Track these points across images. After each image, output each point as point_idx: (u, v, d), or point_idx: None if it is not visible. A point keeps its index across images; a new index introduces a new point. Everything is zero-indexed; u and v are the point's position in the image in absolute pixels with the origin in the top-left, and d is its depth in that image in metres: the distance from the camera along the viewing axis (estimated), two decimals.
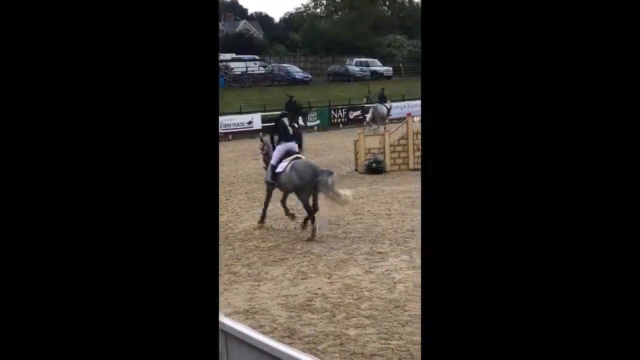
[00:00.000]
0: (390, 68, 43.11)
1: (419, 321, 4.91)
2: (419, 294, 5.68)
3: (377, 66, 42.24)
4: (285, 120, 9.28)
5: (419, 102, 30.53)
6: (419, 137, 13.84)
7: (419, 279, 6.24)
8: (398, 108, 28.89)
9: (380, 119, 23.00)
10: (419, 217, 7.96)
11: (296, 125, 9.74)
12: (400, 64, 44.68)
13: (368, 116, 23.26)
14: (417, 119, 13.97)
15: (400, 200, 10.61)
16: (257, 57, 40.52)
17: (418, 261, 6.63)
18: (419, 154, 13.74)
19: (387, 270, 6.56)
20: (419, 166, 13.04)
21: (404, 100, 31.40)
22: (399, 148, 13.84)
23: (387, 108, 24.25)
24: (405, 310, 5.22)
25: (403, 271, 6.41)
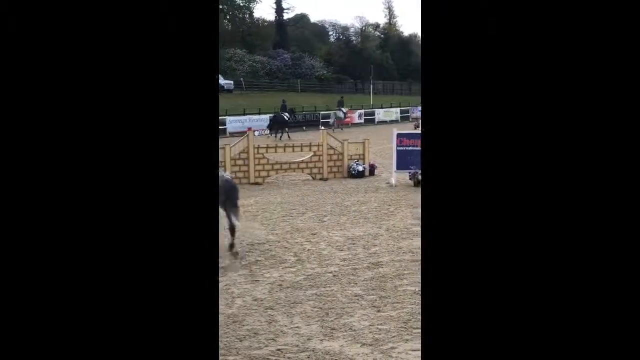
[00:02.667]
0: (232, 82, 43.15)
1: (257, 335, 4.91)
2: (258, 307, 5.63)
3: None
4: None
5: (259, 116, 30.92)
6: (260, 151, 13.93)
7: (259, 294, 6.18)
8: (239, 122, 29.00)
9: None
10: (260, 231, 7.88)
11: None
12: (241, 79, 44.85)
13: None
14: (257, 133, 14.03)
15: (241, 215, 10.56)
16: None
17: (258, 275, 6.62)
18: (259, 167, 13.82)
19: (226, 285, 6.48)
20: (260, 180, 13.08)
21: (244, 114, 31.58)
22: (239, 162, 13.81)
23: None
24: (244, 325, 5.18)
25: (242, 285, 6.36)
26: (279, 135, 25.53)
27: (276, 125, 26.27)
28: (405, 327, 4.99)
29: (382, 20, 73.74)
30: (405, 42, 69.51)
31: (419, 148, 13.20)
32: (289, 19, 64.00)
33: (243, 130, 21.88)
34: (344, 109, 32.15)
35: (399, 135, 13.72)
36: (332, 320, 5.19)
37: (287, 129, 26.27)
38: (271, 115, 28.22)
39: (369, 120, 39.36)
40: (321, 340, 4.77)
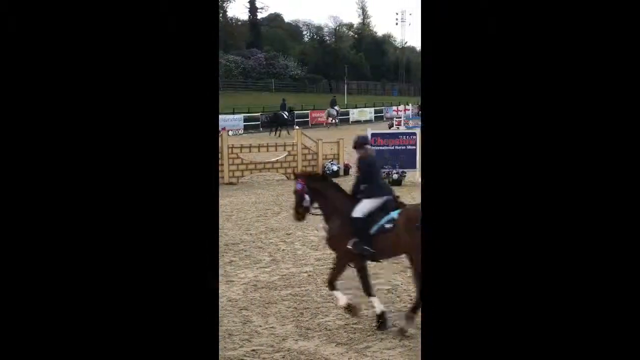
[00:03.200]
0: None
1: (231, 336, 4.87)
2: (233, 308, 5.59)
3: None
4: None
5: (234, 116, 30.78)
6: (234, 151, 13.86)
7: (233, 294, 6.13)
8: None
9: None
10: (233, 232, 7.81)
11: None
12: None
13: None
14: (232, 133, 13.96)
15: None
16: None
17: (233, 275, 6.58)
18: (234, 167, 13.74)
19: None
20: (234, 180, 12.94)
21: (219, 114, 31.34)
22: None
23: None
24: (219, 326, 5.14)
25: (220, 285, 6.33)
26: (278, 132, 26.74)
27: (275, 124, 27.58)
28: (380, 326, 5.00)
29: (356, 20, 73.94)
30: (379, 42, 69.80)
31: (393, 147, 13.28)
32: (262, 18, 63.82)
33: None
34: (337, 108, 34.25)
35: (373, 135, 13.77)
36: (307, 320, 5.19)
37: (286, 126, 27.73)
38: (270, 114, 29.86)
39: (344, 120, 39.43)
40: (296, 340, 4.76)
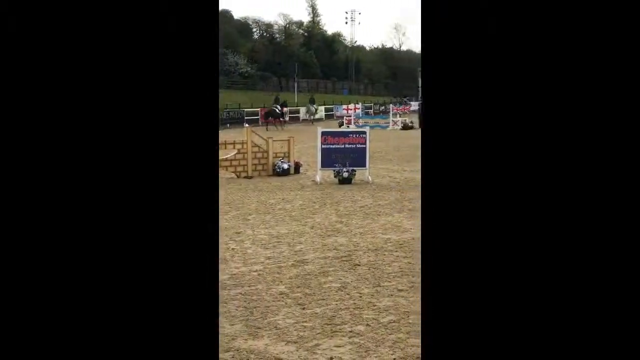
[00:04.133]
0: None
1: None
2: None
3: None
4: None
5: None
6: None
7: None
8: None
9: None
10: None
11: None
12: None
13: None
14: None
15: None
16: None
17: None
18: None
19: None
20: None
21: None
22: None
23: None
24: None
25: None
26: (271, 126, 29.37)
27: (270, 118, 30.64)
28: (329, 324, 5.03)
29: (305, 18, 74.02)
30: (329, 41, 70.04)
31: (343, 146, 13.35)
32: None
33: None
34: (315, 106, 38.17)
35: (323, 134, 13.82)
36: (256, 319, 5.17)
37: (281, 119, 31.34)
38: (266, 108, 33.76)
39: (294, 119, 39.44)
40: (245, 339, 4.74)
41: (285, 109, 33.97)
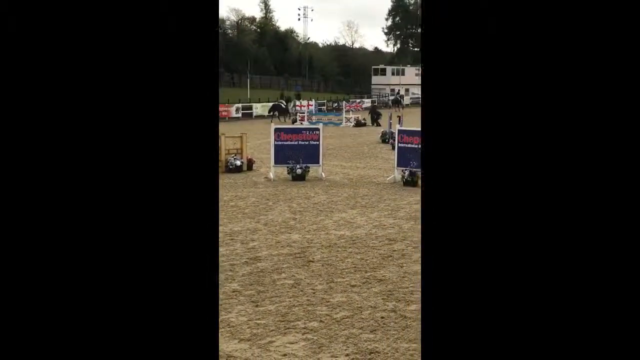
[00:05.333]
0: None
1: None
2: None
3: None
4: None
5: None
6: None
7: None
8: None
9: None
10: None
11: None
12: None
13: None
14: None
15: None
16: None
17: None
18: None
19: None
20: None
21: None
22: None
23: None
24: None
25: None
26: (280, 118, 33.62)
27: (277, 112, 34.89)
28: (283, 321, 5.03)
29: (258, 14, 73.62)
30: (281, 37, 69.85)
31: (297, 142, 13.34)
32: None
33: None
34: (298, 102, 42.25)
35: (276, 130, 13.78)
36: None
37: (284, 114, 35.01)
38: (272, 102, 38.53)
39: (247, 115, 39.22)
40: None
41: (290, 104, 39.59)
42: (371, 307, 5.40)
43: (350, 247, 7.48)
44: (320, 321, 5.04)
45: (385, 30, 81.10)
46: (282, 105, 36.36)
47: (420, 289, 2.15)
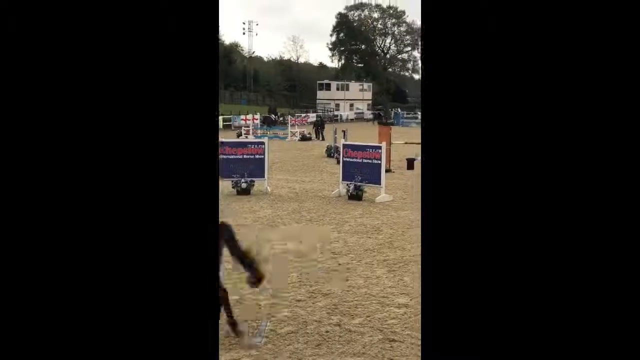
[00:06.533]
0: None
1: None
2: None
3: None
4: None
5: None
6: None
7: None
8: None
9: None
10: None
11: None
12: None
13: None
14: None
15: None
16: None
17: None
18: None
19: None
20: None
21: None
22: None
23: None
24: None
25: None
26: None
27: (266, 124, 38.26)
28: (227, 337, 4.96)
29: None
30: (226, 51, 69.51)
31: (242, 156, 13.27)
32: None
33: None
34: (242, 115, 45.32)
35: (222, 144, 13.65)
36: None
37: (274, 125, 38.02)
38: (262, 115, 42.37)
39: None
40: None
41: (277, 116, 43.45)
42: (316, 321, 5.40)
43: (295, 262, 7.47)
44: (265, 337, 5.00)
45: (330, 46, 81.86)
46: (272, 118, 39.70)
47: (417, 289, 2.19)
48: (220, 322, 5.37)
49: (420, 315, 2.17)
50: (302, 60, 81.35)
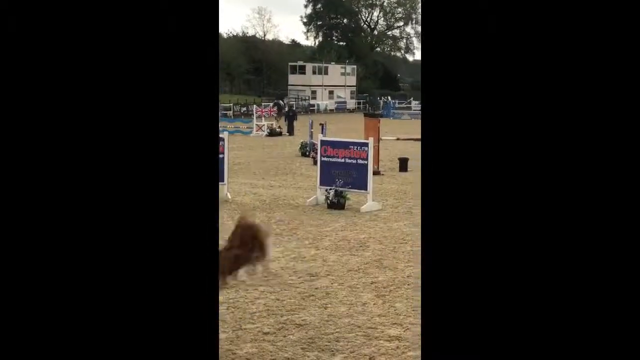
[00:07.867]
0: None
1: None
2: None
3: None
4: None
5: None
6: None
7: None
8: None
9: None
10: None
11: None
12: None
13: None
14: None
15: None
16: None
17: None
18: None
19: None
20: None
21: None
22: None
23: None
24: None
25: None
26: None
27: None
28: None
29: None
30: None
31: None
32: None
33: None
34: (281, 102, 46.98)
35: None
36: None
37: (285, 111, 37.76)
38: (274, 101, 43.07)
39: None
40: None
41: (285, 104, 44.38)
42: (288, 359, 5.37)
43: (262, 285, 7.42)
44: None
45: (305, 20, 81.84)
46: (281, 104, 39.85)
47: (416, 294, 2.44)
48: (220, 321, 5.34)
49: (420, 319, 2.40)
50: (269, 37, 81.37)
